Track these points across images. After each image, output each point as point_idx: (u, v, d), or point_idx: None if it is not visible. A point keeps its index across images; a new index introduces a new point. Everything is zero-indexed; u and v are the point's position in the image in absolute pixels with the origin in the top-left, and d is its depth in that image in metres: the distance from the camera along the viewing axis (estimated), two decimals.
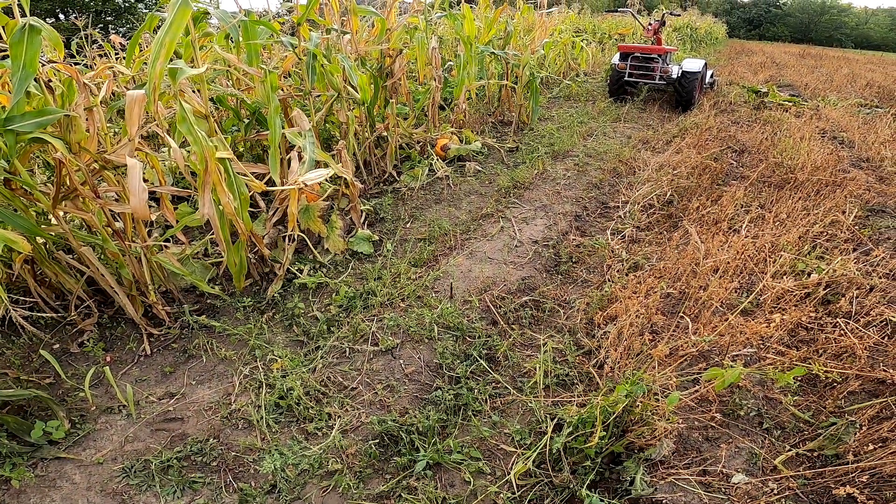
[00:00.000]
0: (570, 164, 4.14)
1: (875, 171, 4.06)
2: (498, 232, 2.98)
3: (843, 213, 3.01)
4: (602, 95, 7.29)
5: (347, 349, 2.07)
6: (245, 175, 2.26)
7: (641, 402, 1.60)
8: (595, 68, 9.96)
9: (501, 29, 5.50)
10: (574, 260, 2.69)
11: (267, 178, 2.76)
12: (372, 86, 3.69)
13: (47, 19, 16.05)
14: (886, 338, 2.04)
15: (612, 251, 2.69)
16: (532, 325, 2.22)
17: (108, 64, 4.90)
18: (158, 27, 2.01)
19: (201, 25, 2.39)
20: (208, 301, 2.37)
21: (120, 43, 5.16)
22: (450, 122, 4.62)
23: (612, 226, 3.02)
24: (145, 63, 3.27)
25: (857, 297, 2.22)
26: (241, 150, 3.19)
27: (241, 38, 2.55)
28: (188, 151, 2.17)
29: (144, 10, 17.74)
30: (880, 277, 2.39)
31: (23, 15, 1.82)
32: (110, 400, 1.85)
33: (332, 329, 2.18)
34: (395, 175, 3.73)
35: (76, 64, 4.96)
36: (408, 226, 3.09)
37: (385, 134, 3.75)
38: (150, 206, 2.56)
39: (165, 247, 2.41)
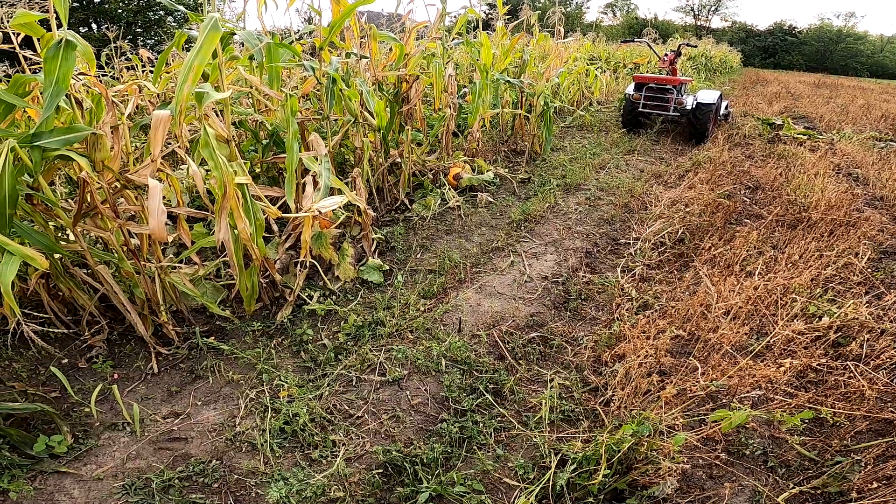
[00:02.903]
0: (581, 198, 4.27)
1: (889, 210, 4.14)
2: (508, 266, 3.08)
3: (857, 255, 3.08)
4: (615, 126, 7.46)
5: (354, 378, 2.15)
6: (261, 200, 2.40)
7: (647, 441, 1.67)
8: (609, 97, 10.20)
9: (518, 57, 5.72)
10: (583, 297, 2.77)
11: (282, 202, 2.90)
12: (388, 111, 3.86)
13: (80, 28, 16.83)
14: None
15: (622, 289, 2.78)
16: (539, 360, 2.29)
17: (134, 78, 5.17)
18: (186, 44, 2.14)
19: (229, 49, 2.53)
20: (217, 323, 2.47)
21: (148, 57, 5.46)
22: (463, 150, 4.78)
23: (623, 263, 3.11)
24: (172, 81, 3.48)
25: (867, 341, 2.29)
26: (258, 171, 3.34)
27: (264, 61, 2.72)
28: (206, 170, 2.31)
29: (174, 24, 18.53)
30: (892, 322, 2.46)
31: (59, 26, 1.87)
32: (115, 416, 1.94)
33: (339, 357, 2.27)
34: (407, 203, 3.87)
35: (104, 76, 5.24)
36: (418, 256, 3.20)
37: (399, 160, 3.91)
38: (167, 225, 2.71)
39: (179, 267, 2.53)
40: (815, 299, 2.58)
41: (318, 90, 3.20)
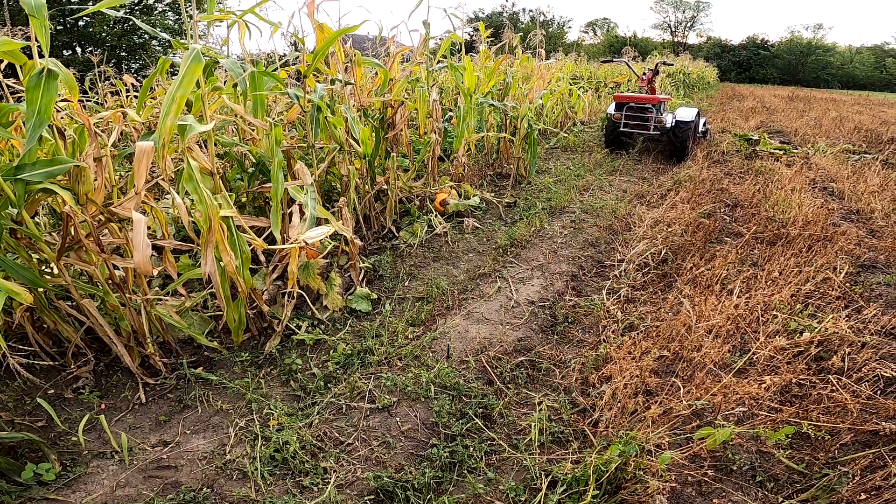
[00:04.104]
0: (566, 221, 4.38)
1: (865, 223, 4.30)
2: (495, 292, 3.15)
3: (835, 269, 3.20)
4: (598, 146, 7.66)
5: (344, 405, 2.19)
6: (247, 232, 2.45)
7: (634, 460, 1.73)
8: (592, 116, 10.49)
9: (501, 79, 5.89)
10: (570, 320, 2.85)
11: (268, 232, 2.96)
12: (373, 137, 3.95)
13: (64, 51, 16.91)
14: (879, 392, 2.18)
15: (608, 311, 2.85)
16: (528, 384, 2.35)
17: (119, 104, 5.22)
18: (171, 69, 2.17)
19: (211, 80, 2.58)
20: (205, 353, 2.50)
21: (132, 83, 5.54)
22: (449, 175, 4.88)
23: (608, 285, 3.20)
24: (157, 108, 3.53)
25: (848, 355, 2.38)
26: (244, 201, 3.39)
27: (248, 89, 2.77)
28: (191, 201, 2.36)
29: (158, 47, 18.73)
30: (872, 334, 2.55)
31: (41, 56, 1.87)
32: (103, 445, 1.96)
33: (329, 385, 2.31)
34: (394, 231, 3.95)
35: (88, 101, 5.31)
36: (406, 284, 3.27)
37: (385, 187, 3.99)
38: (152, 256, 2.74)
39: (165, 299, 2.56)
40: (795, 315, 2.67)
41: (303, 117, 3.28)
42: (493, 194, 4.98)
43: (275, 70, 3.30)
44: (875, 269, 3.39)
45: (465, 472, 1.85)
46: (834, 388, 2.16)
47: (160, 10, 19.90)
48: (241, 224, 2.42)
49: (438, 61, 5.15)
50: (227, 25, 3.09)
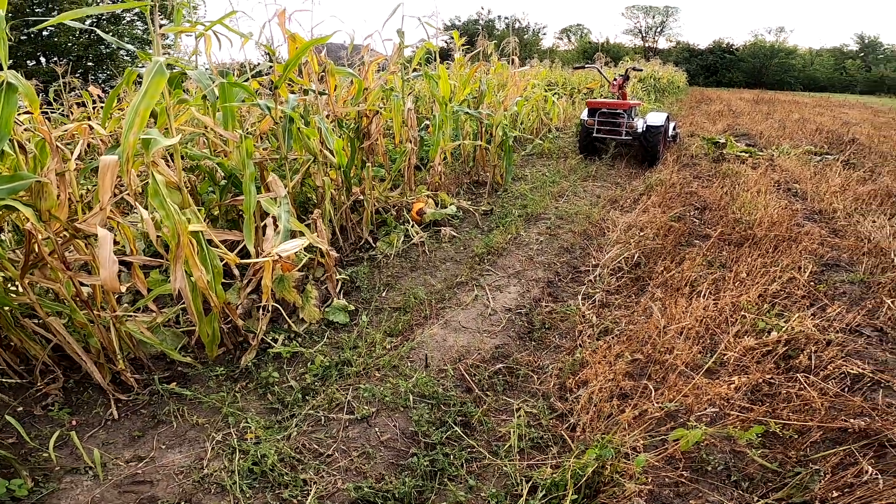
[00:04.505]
0: (542, 228, 4.44)
1: (828, 223, 4.46)
2: (472, 300, 3.18)
3: (800, 269, 3.32)
4: (573, 152, 7.79)
5: (323, 417, 2.19)
6: (218, 247, 2.42)
7: (611, 464, 1.76)
8: (567, 122, 10.65)
9: (475, 87, 5.95)
10: (547, 326, 2.89)
11: (242, 245, 2.94)
12: (348, 147, 3.95)
13: (28, 62, 16.46)
14: (846, 389, 2.26)
15: (583, 316, 2.91)
16: (506, 391, 2.37)
17: (85, 115, 5.09)
18: (139, 80, 2.13)
19: (176, 92, 2.54)
20: (179, 368, 2.47)
21: (98, 94, 5.43)
22: (426, 184, 4.91)
23: (583, 290, 3.25)
24: (123, 120, 3.45)
25: (815, 353, 2.46)
26: (217, 214, 3.35)
27: (217, 101, 2.71)
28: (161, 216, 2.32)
29: (127, 57, 18.37)
30: (837, 332, 2.65)
31: None
32: (76, 461, 1.93)
33: (307, 398, 2.30)
34: (371, 241, 3.95)
35: (53, 113, 5.18)
36: (383, 295, 3.27)
37: (361, 198, 3.99)
38: (121, 271, 2.69)
39: (134, 316, 2.52)
40: (763, 315, 2.76)
41: (276, 129, 3.26)
42: (469, 202, 5.02)
43: (246, 80, 3.27)
44: (838, 268, 3.53)
45: (446, 480, 1.86)
46: (802, 386, 2.23)
47: (128, 19, 19.61)
48: (212, 238, 2.40)
49: (414, 70, 5.19)
50: (195, 37, 3.06)
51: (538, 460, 1.94)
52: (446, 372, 2.46)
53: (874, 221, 4.31)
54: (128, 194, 2.18)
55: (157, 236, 2.18)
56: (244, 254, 2.97)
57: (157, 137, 2.06)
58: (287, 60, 3.09)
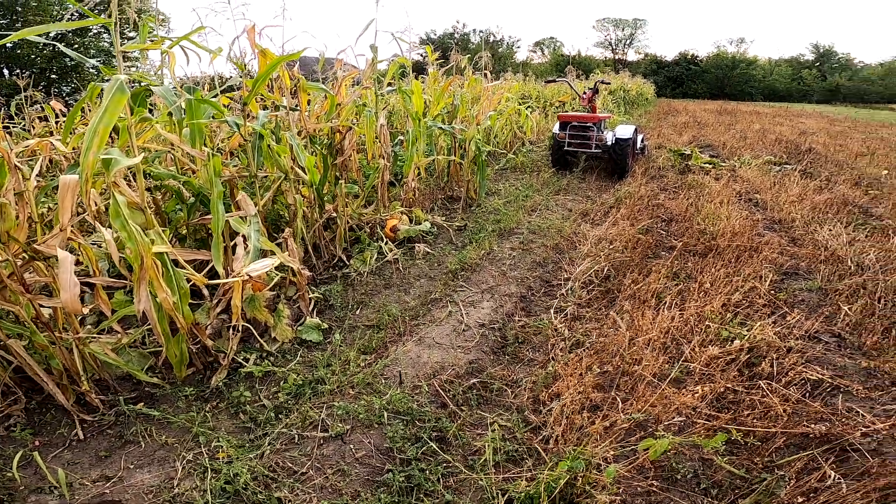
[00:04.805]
0: (515, 243, 4.51)
1: (787, 232, 4.64)
2: (446, 316, 3.21)
3: (760, 278, 3.45)
4: (546, 165, 7.95)
5: (296, 435, 2.18)
6: (185, 268, 2.39)
7: (582, 476, 1.80)
8: (540, 136, 10.85)
9: (449, 102, 6.02)
10: (520, 340, 2.93)
11: (211, 265, 2.91)
12: (321, 164, 3.94)
13: None
14: (807, 395, 2.35)
15: (556, 330, 2.96)
16: (481, 405, 2.40)
17: (47, 130, 4.94)
18: (102, 96, 2.10)
19: (138, 111, 2.50)
20: (147, 389, 2.44)
21: (61, 109, 5.31)
22: (400, 200, 4.94)
23: (556, 304, 3.31)
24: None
25: (776, 360, 2.56)
26: (185, 233, 3.30)
27: (184, 118, 2.67)
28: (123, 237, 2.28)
29: (92, 70, 17.94)
30: (796, 339, 2.76)
31: None
32: (40, 481, 1.90)
33: (280, 416, 2.29)
34: (344, 259, 3.94)
35: (14, 127, 5.04)
36: (357, 312, 3.27)
37: (335, 215, 3.99)
38: (84, 292, 2.64)
39: (98, 337, 2.47)
40: (726, 324, 2.86)
41: (245, 147, 3.24)
42: (444, 218, 5.07)
43: (216, 96, 3.26)
44: (797, 276, 3.68)
45: (423, 495, 1.87)
46: (765, 393, 2.30)
47: (95, 31, 19.27)
48: (180, 259, 2.37)
49: (389, 84, 5.23)
50: (160, 53, 3.04)
51: (513, 473, 1.97)
52: (420, 388, 2.48)
53: (831, 230, 4.51)
54: (88, 215, 2.14)
55: (121, 257, 2.16)
56: (214, 273, 2.94)
57: (118, 157, 2.04)
58: (256, 76, 3.08)
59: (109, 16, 2.18)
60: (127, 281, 2.35)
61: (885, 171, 7.43)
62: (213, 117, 2.98)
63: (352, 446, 2.13)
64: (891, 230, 4.53)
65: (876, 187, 6.37)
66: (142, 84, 2.50)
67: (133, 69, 3.61)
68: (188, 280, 2.37)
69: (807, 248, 4.15)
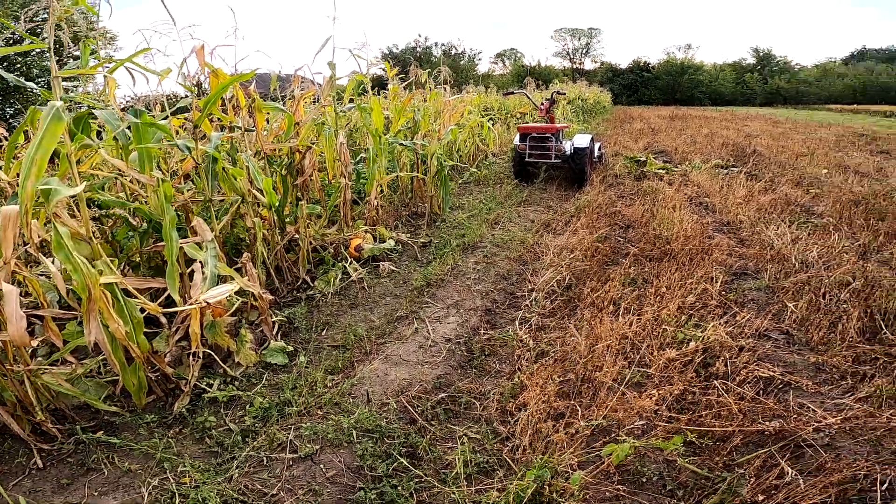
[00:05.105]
0: (479, 256, 4.57)
1: (735, 233, 4.86)
2: (412, 333, 3.23)
3: (712, 280, 3.60)
4: (508, 177, 8.09)
5: (265, 458, 2.17)
6: (138, 298, 2.34)
7: (549, 484, 1.85)
8: (503, 148, 11.04)
9: (410, 117, 6.06)
10: (486, 353, 2.98)
11: (167, 293, 2.85)
12: (280, 185, 3.90)
13: None
14: (760, 392, 2.44)
15: (521, 341, 3.01)
16: (450, 419, 2.42)
17: None
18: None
19: (79, 137, 2.42)
20: (106, 417, 2.40)
21: (3, 134, 5.08)
22: (364, 219, 4.94)
23: (520, 315, 3.38)
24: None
25: (729, 359, 2.67)
26: (139, 260, 3.22)
27: (129, 143, 2.59)
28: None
29: (35, 90, 17.20)
30: (748, 338, 2.88)
31: None
32: None
33: (247, 439, 2.28)
34: (309, 281, 3.91)
35: None
36: (323, 334, 3.26)
37: (297, 237, 3.96)
38: (35, 324, 2.55)
39: (50, 369, 2.40)
40: (682, 326, 2.98)
41: (199, 171, 3.17)
42: (408, 235, 5.10)
43: (166, 118, 3.17)
44: (746, 276, 3.86)
45: None
46: (720, 393, 2.38)
47: (39, 50, 18.55)
48: (132, 287, 2.34)
49: (350, 100, 5.24)
50: (103, 76, 2.96)
51: (485, 485, 1.99)
52: (389, 405, 2.49)
53: (776, 229, 4.75)
54: (30, 248, 2.09)
55: (68, 289, 2.12)
56: (172, 301, 2.89)
57: (58, 187, 1.98)
58: (207, 97, 3.03)
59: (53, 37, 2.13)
60: (77, 312, 2.29)
61: (825, 170, 7.91)
62: (164, 140, 2.90)
63: (322, 466, 2.12)
64: (831, 227, 4.82)
65: (816, 186, 6.76)
66: (85, 107, 2.44)
67: (80, 89, 3.51)
68: (143, 309, 2.33)
69: (754, 248, 4.36)
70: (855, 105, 36.75)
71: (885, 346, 2.78)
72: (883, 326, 2.95)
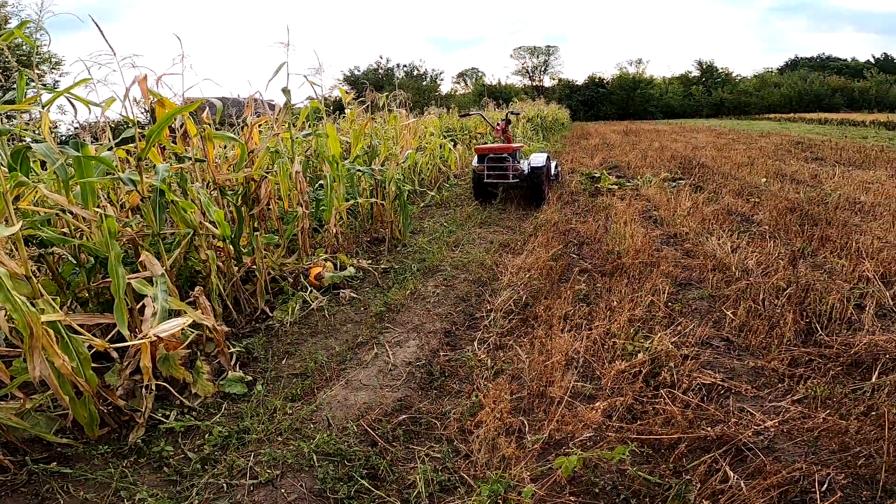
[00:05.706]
0: (439, 280, 4.67)
1: (681, 245, 5.12)
2: (373, 359, 3.28)
3: (659, 291, 3.79)
4: (469, 199, 8.26)
5: (225, 484, 2.19)
6: (84, 334, 2.34)
7: (504, 499, 1.93)
8: (465, 169, 11.23)
9: (368, 143, 6.12)
10: (446, 374, 3.05)
11: (117, 328, 2.83)
12: (236, 216, 3.87)
13: None
14: (704, 399, 2.58)
15: (480, 361, 3.11)
16: (412, 440, 2.48)
17: None
18: None
19: (14, 175, 2.36)
20: (59, 449, 2.39)
21: None
22: (323, 247, 4.96)
23: (479, 336, 3.48)
24: None
25: (674, 368, 2.81)
26: (87, 296, 3.17)
27: (69, 178, 2.55)
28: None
29: None
30: (691, 347, 3.04)
31: None
32: None
33: (206, 467, 2.29)
34: (267, 311, 3.91)
35: None
36: (282, 363, 3.27)
37: (254, 268, 3.95)
38: None
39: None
40: (631, 338, 3.15)
41: (146, 205, 3.10)
42: (369, 261, 5.14)
43: (110, 149, 3.14)
44: (690, 286, 4.08)
45: None
46: (666, 401, 2.51)
47: None
48: (77, 324, 2.34)
49: (303, 128, 5.27)
50: (40, 107, 2.92)
51: (446, 502, 2.05)
52: (349, 429, 2.53)
53: (718, 239, 5.04)
54: None
55: (11, 327, 2.12)
56: (119, 337, 2.86)
57: None
58: (151, 128, 3.01)
59: None
60: (22, 349, 2.27)
61: (764, 179, 8.43)
62: (108, 174, 2.88)
63: (283, 490, 2.15)
64: (768, 235, 5.15)
65: (756, 195, 7.19)
66: (22, 140, 2.44)
67: (25, 116, 3.44)
68: (90, 346, 2.33)
69: (698, 258, 4.62)
70: (792, 113, 39.26)
71: (820, 348, 2.99)
72: (818, 328, 3.18)
